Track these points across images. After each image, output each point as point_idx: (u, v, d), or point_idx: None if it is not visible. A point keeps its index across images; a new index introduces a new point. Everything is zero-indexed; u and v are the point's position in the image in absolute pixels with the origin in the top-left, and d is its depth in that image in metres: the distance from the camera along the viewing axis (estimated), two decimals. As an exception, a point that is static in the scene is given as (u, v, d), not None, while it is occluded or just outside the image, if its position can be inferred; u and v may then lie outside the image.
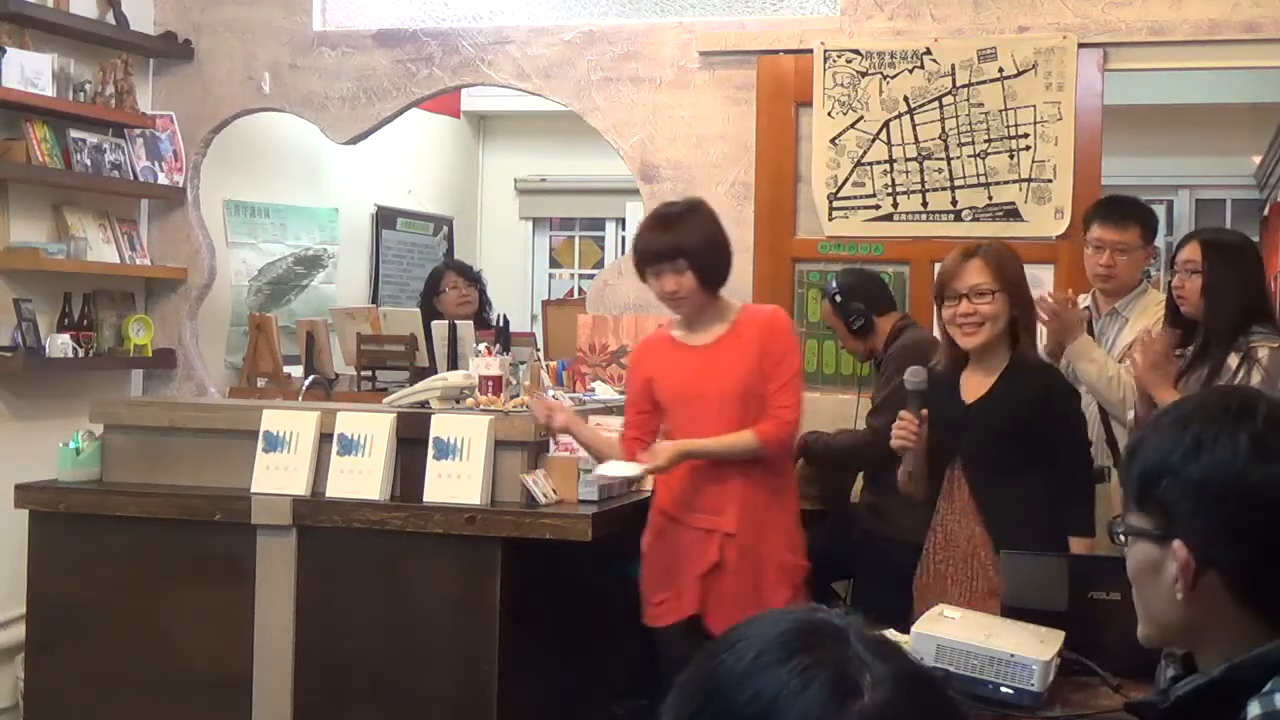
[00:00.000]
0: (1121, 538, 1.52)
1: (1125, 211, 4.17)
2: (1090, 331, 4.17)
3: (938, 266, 4.80)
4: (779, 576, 3.66)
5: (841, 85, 4.93)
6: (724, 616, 3.55)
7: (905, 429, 3.42)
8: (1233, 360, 3.59)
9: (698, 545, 3.65)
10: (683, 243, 3.62)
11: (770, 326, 3.71)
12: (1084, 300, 4.28)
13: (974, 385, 3.44)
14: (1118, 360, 3.96)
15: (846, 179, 4.93)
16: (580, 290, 8.03)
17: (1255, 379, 3.52)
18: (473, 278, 5.97)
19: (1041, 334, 3.97)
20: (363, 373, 5.40)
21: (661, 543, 3.73)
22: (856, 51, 4.92)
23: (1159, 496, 1.45)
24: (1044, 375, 3.49)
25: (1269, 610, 1.41)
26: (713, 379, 3.66)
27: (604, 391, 4.77)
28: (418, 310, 5.72)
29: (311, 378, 5.38)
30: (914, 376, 3.45)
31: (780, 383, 3.64)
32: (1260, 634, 1.40)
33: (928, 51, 4.86)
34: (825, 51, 4.95)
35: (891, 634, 3.04)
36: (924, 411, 3.41)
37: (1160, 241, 7.37)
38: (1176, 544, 1.43)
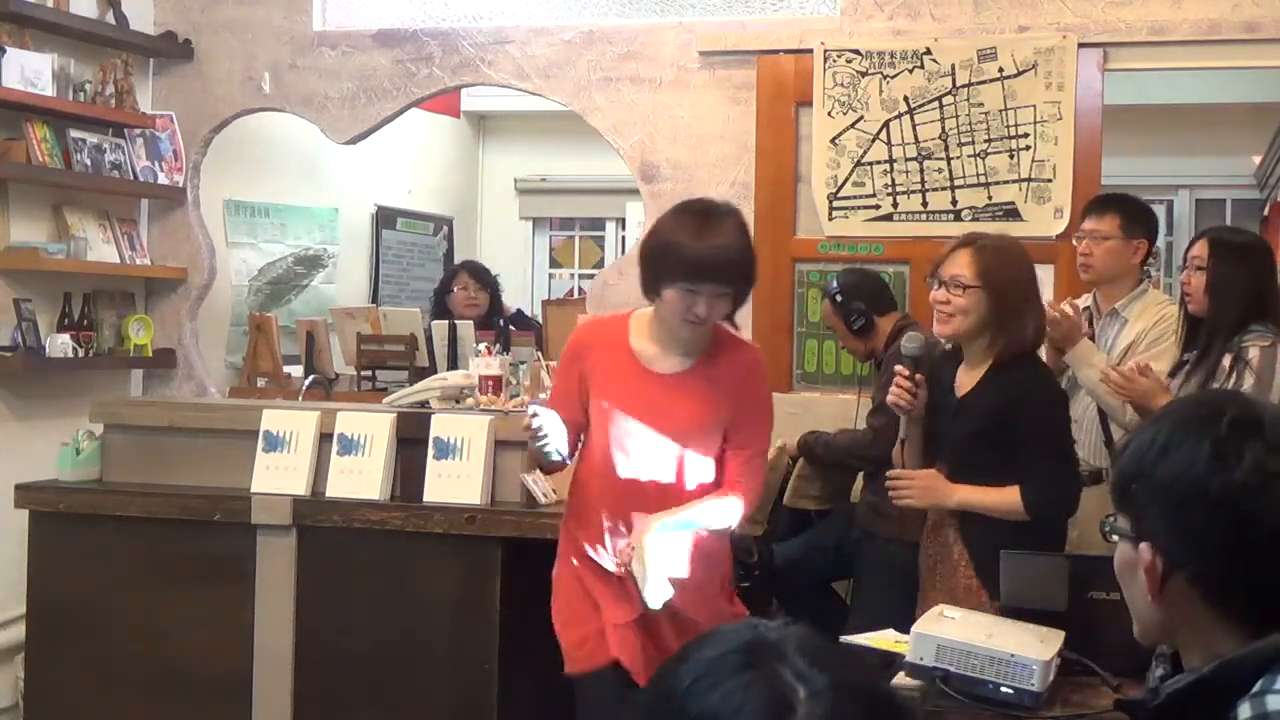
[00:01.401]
0: (1112, 537, 1.53)
1: (1105, 202, 4.20)
2: (1090, 331, 4.17)
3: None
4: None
5: (841, 85, 4.93)
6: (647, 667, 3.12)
7: (901, 386, 3.33)
8: (1226, 361, 3.59)
9: (619, 591, 3.16)
10: (750, 266, 3.12)
11: (751, 374, 3.22)
12: (1085, 300, 4.28)
13: (965, 380, 3.40)
14: (1116, 364, 3.96)
15: (846, 179, 4.93)
16: (580, 290, 8.03)
17: (1247, 381, 3.51)
18: (486, 281, 5.99)
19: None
20: (363, 373, 5.40)
21: (577, 580, 3.26)
22: (856, 51, 4.92)
23: (1132, 498, 1.47)
24: (1024, 374, 3.36)
25: (1241, 612, 1.41)
26: (671, 415, 3.17)
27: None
28: (417, 310, 5.73)
29: (311, 378, 5.38)
30: (910, 343, 3.42)
31: (756, 449, 3.21)
32: (1236, 634, 1.41)
33: (928, 51, 4.86)
34: (825, 51, 4.95)
35: (891, 634, 3.04)
36: (919, 376, 3.34)
37: (1160, 242, 7.37)
38: (1143, 547, 1.45)
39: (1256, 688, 1.34)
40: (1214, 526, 1.40)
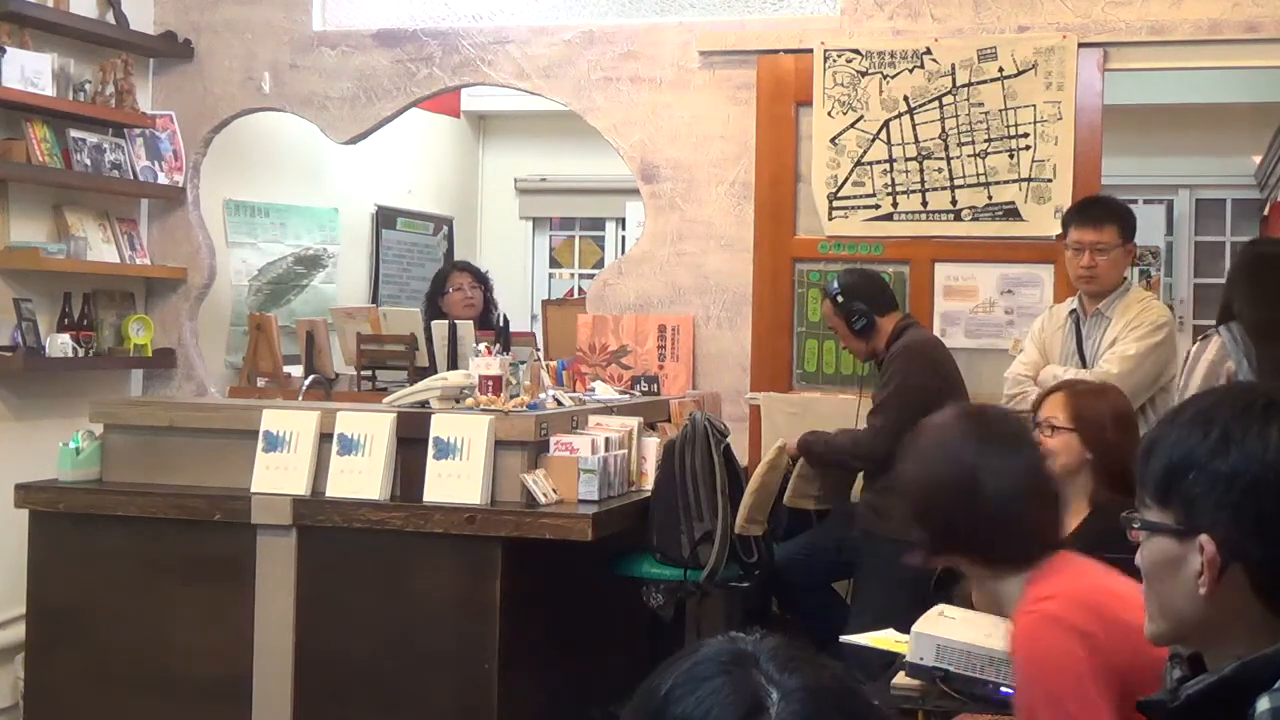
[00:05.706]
0: (1134, 533, 1.52)
1: (1101, 211, 4.25)
2: (1078, 333, 4.24)
3: (939, 268, 4.86)
4: None
5: (841, 85, 4.93)
6: None
7: None
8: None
9: None
10: None
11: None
12: (1070, 304, 4.34)
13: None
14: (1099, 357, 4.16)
15: (846, 179, 4.93)
16: (580, 290, 8.03)
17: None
18: (480, 279, 5.98)
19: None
20: (363, 373, 5.40)
21: None
22: (856, 51, 4.92)
23: (1183, 491, 1.45)
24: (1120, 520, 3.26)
25: None
26: None
27: (604, 391, 4.77)
28: (417, 310, 5.72)
29: (311, 378, 5.38)
30: None
31: None
32: (1278, 632, 1.40)
33: (928, 51, 4.86)
34: (825, 51, 4.95)
35: (891, 634, 3.04)
36: None
37: (1160, 242, 7.38)
38: (1203, 538, 1.43)
39: (1278, 685, 1.34)
40: None
